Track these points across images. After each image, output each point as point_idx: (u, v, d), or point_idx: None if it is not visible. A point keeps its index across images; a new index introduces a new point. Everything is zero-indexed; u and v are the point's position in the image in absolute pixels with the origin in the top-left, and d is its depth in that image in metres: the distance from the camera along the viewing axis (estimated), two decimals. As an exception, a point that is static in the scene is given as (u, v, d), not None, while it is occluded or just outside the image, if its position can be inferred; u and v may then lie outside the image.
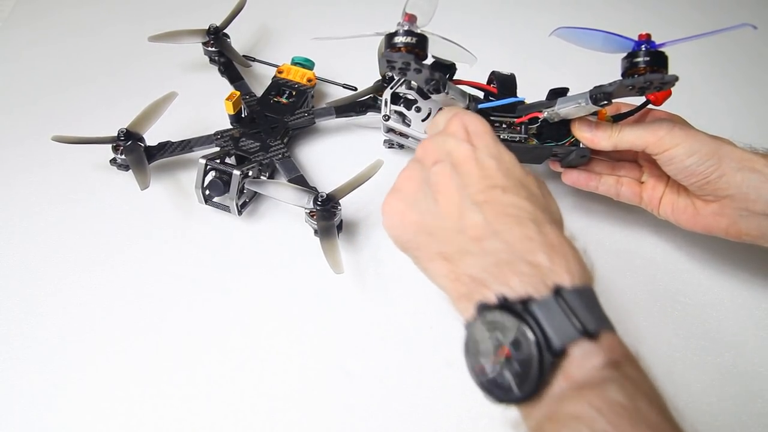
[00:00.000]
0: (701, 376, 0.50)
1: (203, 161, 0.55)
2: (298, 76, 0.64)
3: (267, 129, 0.61)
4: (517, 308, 0.31)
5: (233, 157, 0.59)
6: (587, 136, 0.49)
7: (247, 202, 0.58)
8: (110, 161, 0.59)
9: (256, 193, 0.58)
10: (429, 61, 0.48)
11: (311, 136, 0.66)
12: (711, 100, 0.71)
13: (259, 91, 0.65)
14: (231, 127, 0.61)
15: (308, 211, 0.53)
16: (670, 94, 0.47)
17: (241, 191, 0.56)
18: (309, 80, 0.64)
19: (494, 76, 0.54)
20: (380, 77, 0.62)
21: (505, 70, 0.54)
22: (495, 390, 0.32)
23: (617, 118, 0.51)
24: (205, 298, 0.54)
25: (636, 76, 0.42)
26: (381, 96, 0.56)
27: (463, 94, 0.50)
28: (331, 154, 0.64)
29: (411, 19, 0.43)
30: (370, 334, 0.52)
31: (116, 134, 0.57)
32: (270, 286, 0.55)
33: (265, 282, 0.55)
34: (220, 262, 0.56)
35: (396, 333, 0.52)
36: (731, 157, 0.44)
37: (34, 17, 0.79)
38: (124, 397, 0.48)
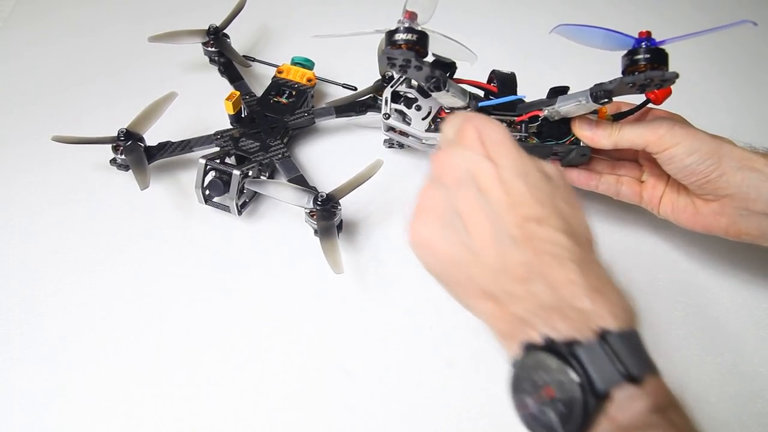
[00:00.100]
0: (701, 376, 0.50)
1: (203, 161, 0.55)
2: (298, 76, 0.64)
3: (267, 129, 0.61)
4: (563, 350, 0.31)
5: (233, 157, 0.59)
6: (587, 135, 0.49)
7: (247, 202, 0.58)
8: (110, 161, 0.59)
9: (256, 193, 0.58)
10: (429, 59, 0.48)
11: (311, 136, 0.66)
12: (711, 99, 0.71)
13: (259, 91, 0.65)
14: (231, 127, 0.61)
15: (308, 211, 0.53)
16: (670, 92, 0.47)
17: (241, 191, 0.56)
18: (309, 80, 0.64)
19: (494, 75, 0.54)
20: (380, 77, 0.62)
21: (506, 68, 0.54)
22: (538, 427, 0.32)
23: (617, 117, 0.51)
24: (205, 298, 0.54)
25: (636, 73, 0.42)
26: (381, 96, 0.56)
27: (464, 92, 0.50)
28: (331, 154, 0.64)
29: (411, 16, 0.43)
30: (370, 334, 0.52)
31: (116, 134, 0.57)
32: (270, 286, 0.55)
33: (265, 282, 0.55)
34: (220, 262, 0.56)
35: (396, 333, 0.52)
36: (731, 156, 0.44)
37: (34, 17, 0.79)
38: (124, 397, 0.48)
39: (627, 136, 0.47)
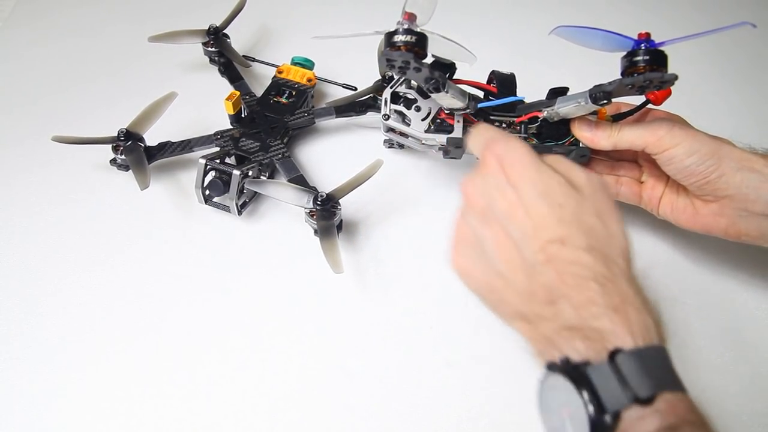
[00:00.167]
0: (701, 376, 0.50)
1: (203, 161, 0.55)
2: (298, 76, 0.65)
3: (267, 129, 0.61)
4: (575, 372, 0.32)
5: (233, 157, 0.59)
6: (587, 136, 0.49)
7: (247, 202, 0.58)
8: (110, 161, 0.59)
9: (256, 193, 0.58)
10: (429, 60, 0.48)
11: (311, 136, 0.66)
12: (711, 99, 0.71)
13: (259, 91, 0.65)
14: (231, 127, 0.61)
15: (308, 211, 0.53)
16: (669, 93, 0.47)
17: (241, 191, 0.56)
18: (309, 80, 0.64)
19: (494, 76, 0.54)
20: (380, 77, 0.62)
21: (505, 69, 0.54)
22: None
23: (617, 118, 0.51)
24: (205, 298, 0.54)
25: (636, 74, 0.42)
26: (381, 96, 0.57)
27: (463, 93, 0.50)
28: (331, 154, 0.64)
29: (411, 17, 0.43)
30: (370, 334, 0.52)
31: (116, 134, 0.57)
32: (270, 286, 0.55)
33: (265, 282, 0.55)
34: (220, 262, 0.56)
35: (396, 333, 0.52)
36: (731, 157, 0.44)
37: (34, 17, 0.79)
38: (124, 397, 0.48)
39: (626, 137, 0.47)
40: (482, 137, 0.40)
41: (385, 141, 0.62)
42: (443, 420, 0.48)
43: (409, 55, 0.43)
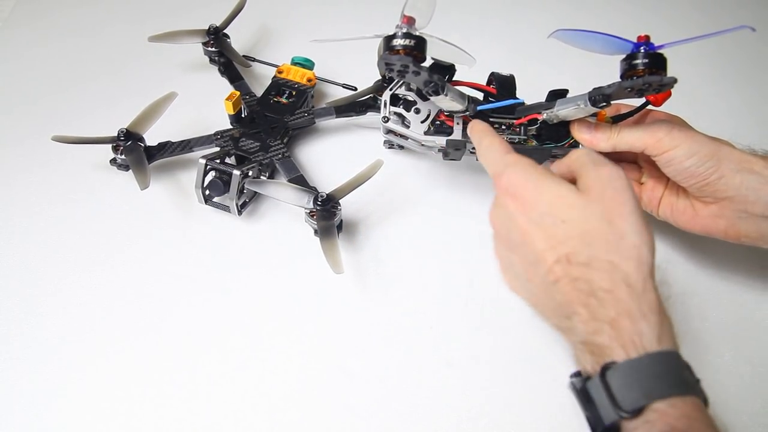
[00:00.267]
0: (700, 376, 0.50)
1: (203, 161, 0.55)
2: (298, 76, 0.65)
3: (267, 129, 0.61)
4: (578, 386, 0.35)
5: (233, 157, 0.59)
6: (586, 138, 0.49)
7: (247, 202, 0.58)
8: (110, 161, 0.59)
9: (256, 193, 0.58)
10: (428, 62, 0.48)
11: (311, 136, 0.66)
12: (711, 100, 0.71)
13: (259, 91, 0.65)
14: (231, 127, 0.61)
15: (308, 211, 0.53)
16: (669, 95, 0.47)
17: (241, 191, 0.56)
18: (309, 80, 0.64)
19: (493, 77, 0.54)
20: (380, 77, 0.62)
21: (505, 70, 0.54)
22: None
23: (617, 120, 0.51)
24: (205, 298, 0.54)
25: (635, 78, 0.42)
26: (381, 96, 0.57)
27: (462, 96, 0.50)
28: (331, 154, 0.64)
29: (409, 21, 0.43)
30: (370, 334, 0.52)
31: (116, 134, 0.57)
32: (270, 286, 0.55)
33: (265, 282, 0.55)
34: (220, 262, 0.56)
35: (396, 333, 0.52)
36: (730, 158, 0.44)
37: (34, 17, 0.79)
38: (124, 397, 0.48)
39: (626, 139, 0.47)
40: (497, 165, 0.42)
41: (385, 141, 0.62)
42: (443, 420, 0.48)
43: (407, 59, 0.43)
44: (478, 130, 0.47)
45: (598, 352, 0.34)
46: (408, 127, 0.53)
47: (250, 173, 0.57)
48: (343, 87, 0.66)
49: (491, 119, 0.52)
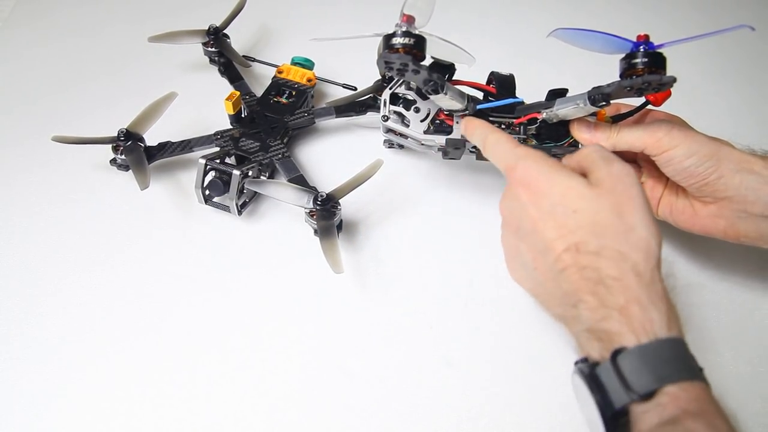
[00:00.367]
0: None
1: (203, 161, 0.55)
2: (297, 76, 0.65)
3: (267, 129, 0.61)
4: (585, 372, 0.36)
5: (233, 157, 0.59)
6: (586, 137, 0.49)
7: (247, 202, 0.58)
8: (110, 161, 0.59)
9: (256, 193, 0.58)
10: (428, 61, 0.48)
11: (311, 136, 0.66)
12: (711, 100, 0.71)
13: (259, 91, 0.65)
14: (231, 127, 0.61)
15: (308, 211, 0.53)
16: (669, 94, 0.47)
17: (241, 191, 0.56)
18: (309, 80, 0.64)
19: (493, 77, 0.54)
20: (380, 77, 0.62)
21: (504, 69, 0.54)
22: None
23: (616, 119, 0.51)
24: (205, 298, 0.54)
25: (634, 77, 0.42)
26: (381, 96, 0.57)
27: (462, 95, 0.50)
28: (331, 154, 0.64)
29: (409, 20, 0.43)
30: (370, 334, 0.52)
31: (116, 134, 0.57)
32: (270, 286, 0.55)
33: (265, 282, 0.55)
34: (220, 262, 0.56)
35: (396, 333, 0.52)
36: (730, 158, 0.44)
37: (34, 17, 0.79)
38: (124, 397, 0.48)
39: (625, 138, 0.47)
40: (508, 157, 0.43)
41: (384, 141, 0.62)
42: (443, 420, 0.48)
43: (407, 58, 0.43)
44: (477, 126, 0.48)
45: (607, 339, 0.35)
46: (408, 126, 0.53)
47: (250, 173, 0.57)
48: (343, 87, 0.66)
49: (491, 118, 0.52)
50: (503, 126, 0.52)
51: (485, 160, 0.52)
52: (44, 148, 0.61)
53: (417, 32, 0.43)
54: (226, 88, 0.66)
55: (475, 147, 0.53)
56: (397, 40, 0.43)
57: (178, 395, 0.49)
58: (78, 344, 0.51)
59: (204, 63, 0.70)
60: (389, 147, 0.63)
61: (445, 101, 0.48)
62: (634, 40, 0.42)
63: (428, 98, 0.52)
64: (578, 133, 0.49)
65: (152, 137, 0.59)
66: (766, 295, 0.54)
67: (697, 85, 0.71)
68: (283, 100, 0.63)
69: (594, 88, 0.45)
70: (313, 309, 0.53)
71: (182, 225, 0.58)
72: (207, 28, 0.67)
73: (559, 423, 0.47)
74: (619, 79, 0.43)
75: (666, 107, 0.49)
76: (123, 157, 0.57)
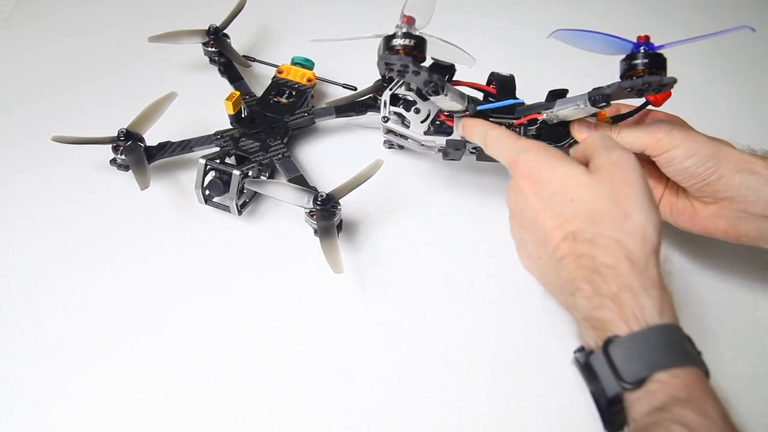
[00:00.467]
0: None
1: (203, 161, 0.55)
2: (298, 76, 0.65)
3: (267, 129, 0.61)
4: (581, 361, 0.36)
5: (233, 157, 0.59)
6: (586, 138, 0.49)
7: (247, 202, 0.58)
8: (110, 161, 0.59)
9: (256, 193, 0.58)
10: (428, 62, 0.48)
11: (311, 136, 0.66)
12: (712, 100, 0.71)
13: (259, 91, 0.65)
14: (231, 127, 0.61)
15: (308, 211, 0.53)
16: (669, 95, 0.47)
17: (241, 191, 0.56)
18: (309, 80, 0.64)
19: (493, 77, 0.54)
20: (380, 77, 0.62)
21: (505, 70, 0.54)
22: None
23: (616, 120, 0.51)
24: (205, 298, 0.54)
25: (634, 78, 0.42)
26: (381, 96, 0.57)
27: (462, 96, 0.50)
28: (331, 154, 0.64)
29: (409, 21, 0.43)
30: (369, 334, 0.52)
31: (116, 134, 0.57)
32: (270, 286, 0.55)
33: (265, 282, 0.55)
34: (220, 262, 0.56)
35: (396, 333, 0.52)
36: (730, 158, 0.44)
37: (34, 17, 0.79)
38: (124, 397, 0.48)
39: (625, 139, 0.47)
40: (512, 150, 0.43)
41: (385, 141, 0.62)
42: (443, 420, 0.48)
43: (407, 59, 0.42)
44: (475, 125, 0.49)
45: (600, 327, 0.35)
46: (408, 127, 0.53)
47: (250, 173, 0.57)
48: (343, 87, 0.66)
49: (491, 119, 0.52)
50: (503, 127, 0.52)
51: (485, 160, 0.53)
52: (44, 148, 0.61)
53: (417, 33, 0.43)
54: (226, 88, 0.66)
55: (475, 148, 0.53)
56: (398, 42, 0.43)
57: (178, 395, 0.48)
58: (78, 344, 0.51)
59: (204, 63, 0.70)
60: (389, 147, 0.63)
61: (446, 102, 0.48)
62: (635, 41, 0.42)
63: (428, 99, 0.52)
64: (578, 133, 0.49)
65: (152, 137, 0.59)
66: (766, 295, 0.54)
67: (697, 86, 0.71)
68: (283, 100, 0.63)
69: (594, 89, 0.45)
70: (313, 309, 0.53)
71: (182, 225, 0.58)
72: (207, 28, 0.67)
73: (559, 423, 0.47)
74: (619, 80, 0.43)
75: (666, 107, 0.49)
76: (123, 157, 0.57)
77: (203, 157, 0.55)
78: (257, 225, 0.59)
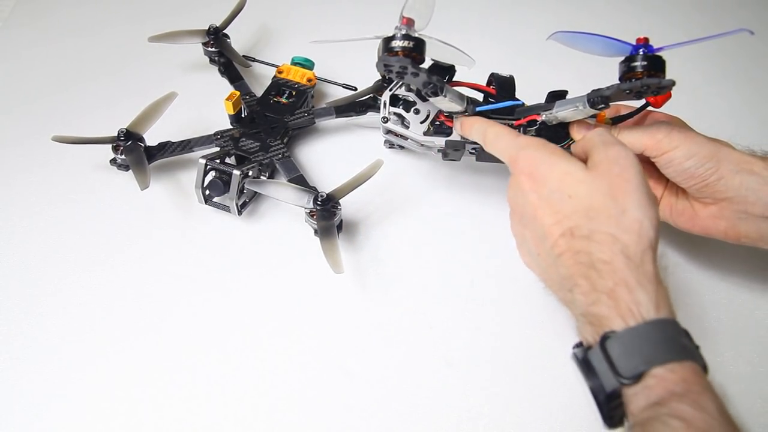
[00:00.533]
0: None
1: (203, 161, 0.55)
2: (298, 76, 0.65)
3: (267, 129, 0.61)
4: (579, 356, 0.37)
5: (233, 157, 0.59)
6: None
7: (247, 202, 0.58)
8: (110, 161, 0.59)
9: (256, 193, 0.58)
10: (428, 63, 0.48)
11: (311, 136, 0.66)
12: (712, 101, 0.71)
13: (259, 91, 0.65)
14: (231, 127, 0.61)
15: (308, 211, 0.53)
16: (669, 96, 0.47)
17: (241, 191, 0.56)
18: (309, 80, 0.64)
19: (493, 78, 0.54)
20: (380, 77, 0.62)
21: (504, 70, 0.54)
22: None
23: (616, 121, 0.51)
24: (205, 298, 0.54)
25: (633, 80, 0.42)
26: (381, 96, 0.57)
27: (462, 97, 0.49)
28: (331, 154, 0.64)
29: (408, 22, 0.43)
30: (369, 334, 0.52)
31: (116, 134, 0.57)
32: (270, 286, 0.55)
33: (265, 282, 0.55)
34: (220, 262, 0.56)
35: (396, 333, 0.52)
36: (730, 159, 0.44)
37: (34, 17, 0.79)
38: (124, 397, 0.48)
39: (625, 140, 0.46)
40: (512, 148, 0.43)
41: (385, 141, 0.62)
42: (443, 420, 0.48)
43: (406, 61, 0.42)
44: (474, 123, 0.49)
45: (597, 323, 0.36)
46: (407, 127, 0.53)
47: (250, 173, 0.57)
48: (343, 87, 0.66)
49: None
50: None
51: (485, 161, 0.53)
52: (44, 148, 0.61)
53: (416, 35, 0.43)
54: (226, 88, 0.66)
55: (474, 148, 0.53)
56: (397, 43, 0.43)
57: (178, 395, 0.49)
58: (78, 344, 0.51)
59: (204, 63, 0.70)
60: (389, 147, 0.63)
61: (445, 103, 0.48)
62: (634, 43, 0.42)
63: (428, 100, 0.52)
64: (578, 135, 0.49)
65: (152, 137, 0.59)
66: (766, 295, 0.54)
67: (697, 87, 0.71)
68: (283, 100, 0.63)
69: (593, 90, 0.45)
70: (313, 309, 0.53)
71: (182, 225, 0.58)
72: (207, 28, 0.67)
73: (559, 423, 0.47)
74: (618, 81, 0.43)
75: (666, 108, 0.49)
76: (123, 157, 0.57)
77: (203, 157, 0.55)
78: (257, 225, 0.59)
